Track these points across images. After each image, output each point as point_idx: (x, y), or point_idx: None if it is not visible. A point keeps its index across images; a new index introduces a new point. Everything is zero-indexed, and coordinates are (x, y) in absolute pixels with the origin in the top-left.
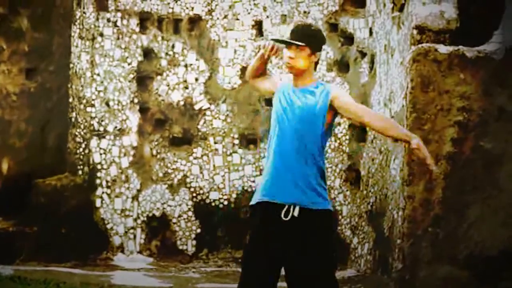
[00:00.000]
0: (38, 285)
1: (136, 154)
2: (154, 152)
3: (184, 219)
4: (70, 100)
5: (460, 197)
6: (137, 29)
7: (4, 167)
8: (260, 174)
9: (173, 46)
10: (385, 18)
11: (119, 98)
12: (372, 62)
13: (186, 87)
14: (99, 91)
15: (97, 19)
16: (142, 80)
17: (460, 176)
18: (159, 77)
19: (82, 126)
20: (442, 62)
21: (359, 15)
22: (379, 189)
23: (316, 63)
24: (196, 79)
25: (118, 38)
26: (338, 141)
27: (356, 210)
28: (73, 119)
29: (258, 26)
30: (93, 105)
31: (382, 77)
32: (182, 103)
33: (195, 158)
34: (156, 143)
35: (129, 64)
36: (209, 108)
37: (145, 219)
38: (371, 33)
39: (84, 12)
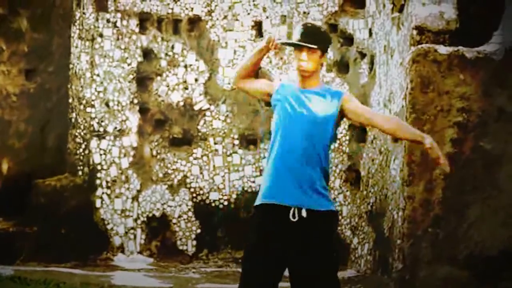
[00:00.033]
0: (38, 285)
1: (136, 155)
2: (154, 152)
3: (184, 219)
4: (70, 100)
5: (460, 198)
6: (137, 30)
7: (4, 167)
8: (261, 175)
9: (172, 47)
10: (385, 18)
11: (119, 98)
12: (371, 62)
13: (186, 88)
14: (99, 92)
15: (97, 19)
16: (142, 80)
17: (460, 176)
18: (159, 78)
19: (82, 127)
20: (442, 62)
21: (359, 15)
22: (379, 190)
23: (321, 64)
24: (196, 80)
25: (117, 39)
26: (338, 141)
27: (356, 210)
28: (73, 120)
29: (258, 26)
30: (93, 106)
31: (382, 77)
32: (182, 103)
33: (195, 159)
34: (156, 143)
35: (128, 64)
36: (209, 108)
37: (145, 219)
38: (370, 33)
39: (83, 13)
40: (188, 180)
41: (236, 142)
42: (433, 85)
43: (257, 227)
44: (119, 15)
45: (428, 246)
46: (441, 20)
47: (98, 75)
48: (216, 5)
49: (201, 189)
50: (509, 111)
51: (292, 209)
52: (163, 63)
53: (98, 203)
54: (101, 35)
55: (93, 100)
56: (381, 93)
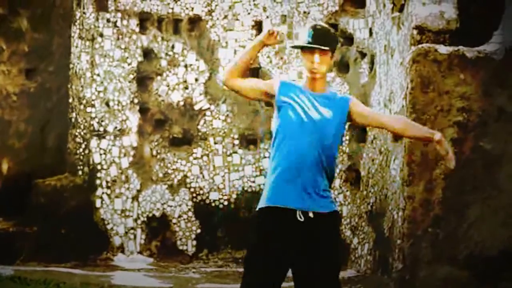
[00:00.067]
0: (38, 285)
1: (136, 155)
2: (154, 152)
3: (184, 219)
4: (70, 100)
5: (460, 198)
6: (137, 30)
7: (4, 167)
8: (261, 175)
9: (173, 47)
10: (385, 18)
11: (119, 98)
12: (372, 62)
13: (186, 88)
14: (99, 92)
15: (97, 19)
16: (142, 80)
17: (460, 176)
18: (159, 78)
19: (82, 127)
20: (442, 62)
21: (359, 15)
22: (379, 190)
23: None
24: (196, 80)
25: (118, 39)
26: None
27: (356, 210)
28: (73, 120)
29: (258, 26)
30: (93, 106)
31: (382, 77)
32: (182, 103)
33: (195, 159)
34: (156, 143)
35: (129, 64)
36: (209, 108)
37: (145, 219)
38: (371, 33)
39: (84, 13)
40: (188, 180)
41: (236, 142)
42: (433, 84)
43: (260, 228)
44: (119, 14)
45: (428, 246)
46: (441, 20)
47: (98, 74)
48: (216, 5)
49: (201, 189)
50: (509, 111)
51: (298, 212)
52: (163, 62)
53: (98, 203)
54: (101, 35)
55: (93, 100)
56: (382, 93)
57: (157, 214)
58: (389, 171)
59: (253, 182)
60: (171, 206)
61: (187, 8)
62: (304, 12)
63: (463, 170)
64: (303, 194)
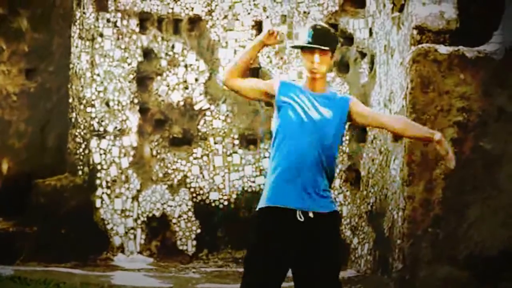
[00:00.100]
0: (38, 285)
1: (136, 155)
2: (154, 152)
3: (184, 219)
4: (70, 100)
5: (460, 198)
6: (137, 30)
7: (4, 167)
8: (261, 175)
9: (173, 47)
10: (385, 18)
11: (119, 98)
12: (372, 62)
13: (186, 88)
14: (99, 92)
15: (97, 19)
16: (142, 80)
17: (460, 176)
18: (159, 78)
19: (82, 127)
20: (442, 62)
21: (359, 15)
22: (379, 190)
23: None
24: (196, 80)
25: (118, 39)
26: None
27: (356, 210)
28: (73, 120)
29: (258, 26)
30: (93, 106)
31: (382, 77)
32: (182, 103)
33: (195, 159)
34: (156, 143)
35: (129, 64)
36: (209, 108)
37: (145, 219)
38: (371, 33)
39: (84, 13)
40: (188, 180)
41: (236, 142)
42: (433, 84)
43: (260, 228)
44: (119, 14)
45: (428, 246)
46: (441, 20)
47: (98, 74)
48: (216, 5)
49: (201, 189)
50: (509, 111)
51: (298, 212)
52: (163, 62)
53: (98, 203)
54: (101, 35)
55: (93, 100)
56: (381, 93)
57: (157, 214)
58: (389, 171)
59: (253, 182)
60: (171, 206)
61: (187, 8)
62: (304, 12)
63: (463, 170)
64: (303, 194)
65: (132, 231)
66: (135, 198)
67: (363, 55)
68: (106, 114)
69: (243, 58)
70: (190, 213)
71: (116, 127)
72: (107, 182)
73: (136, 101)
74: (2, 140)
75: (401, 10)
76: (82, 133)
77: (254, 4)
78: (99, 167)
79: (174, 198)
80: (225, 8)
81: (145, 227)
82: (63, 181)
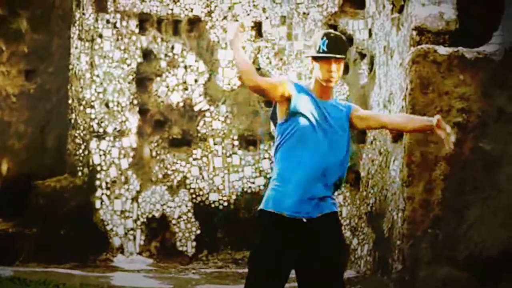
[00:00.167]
0: (37, 286)
1: (135, 156)
2: (154, 153)
3: (183, 220)
4: (70, 101)
5: (459, 198)
6: (137, 31)
7: (4, 168)
8: (260, 176)
9: (172, 48)
10: (385, 19)
11: (118, 99)
12: (371, 63)
13: (186, 89)
14: (98, 93)
15: (97, 20)
16: (142, 81)
17: (460, 177)
18: (158, 79)
19: (81, 128)
20: (442, 63)
21: (359, 16)
22: (379, 190)
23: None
24: (196, 81)
25: (117, 40)
26: None
27: (356, 211)
28: (72, 121)
29: (258, 27)
30: (92, 107)
31: (382, 78)
32: (181, 104)
33: (194, 160)
34: (155, 144)
35: (128, 65)
36: (208, 109)
37: (145, 220)
38: (370, 34)
39: (83, 14)
40: (187, 181)
41: (236, 143)
42: (433, 85)
43: (263, 229)
44: (118, 15)
45: (427, 246)
46: (440, 21)
47: (97, 76)
48: (215, 6)
49: (200, 190)
50: (508, 112)
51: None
52: (163, 63)
53: (97, 204)
54: (100, 36)
55: (92, 101)
56: (381, 94)
57: (157, 215)
58: (389, 172)
59: (253, 183)
60: (170, 207)
61: (186, 9)
62: (304, 13)
63: (463, 170)
64: (311, 202)
65: (131, 232)
66: (134, 199)
67: (362, 56)
68: (105, 115)
69: (244, 56)
70: (189, 214)
71: (115, 128)
72: (106, 183)
73: (135, 102)
74: (2, 141)
75: (400, 11)
76: (81, 134)
77: (254, 5)
78: (98, 168)
79: (174, 199)
80: (224, 9)
81: (145, 228)
82: (63, 182)
